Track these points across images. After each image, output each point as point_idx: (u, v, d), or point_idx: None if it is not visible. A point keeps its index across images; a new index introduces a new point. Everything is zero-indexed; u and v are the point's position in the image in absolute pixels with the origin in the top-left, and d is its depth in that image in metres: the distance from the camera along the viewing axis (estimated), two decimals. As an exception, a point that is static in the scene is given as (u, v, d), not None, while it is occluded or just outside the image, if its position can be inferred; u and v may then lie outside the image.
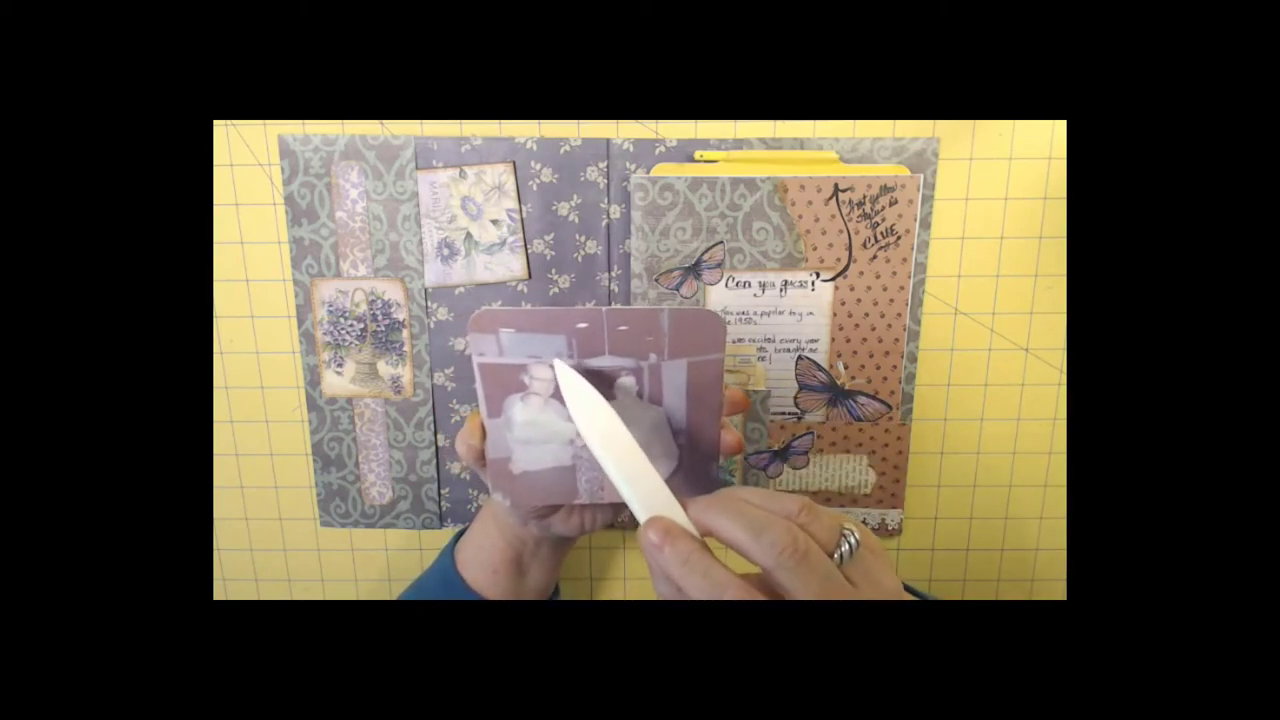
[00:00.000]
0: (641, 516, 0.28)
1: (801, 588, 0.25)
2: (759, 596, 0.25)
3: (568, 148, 0.46)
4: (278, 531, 0.52)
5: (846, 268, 0.47)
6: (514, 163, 0.46)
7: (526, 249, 0.47)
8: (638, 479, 0.28)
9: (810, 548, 0.25)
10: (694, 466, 0.32)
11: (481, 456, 0.32)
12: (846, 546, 0.26)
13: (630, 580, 0.53)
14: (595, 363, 0.30)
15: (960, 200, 0.46)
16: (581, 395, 0.29)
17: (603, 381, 0.30)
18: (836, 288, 0.47)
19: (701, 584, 0.26)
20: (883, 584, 0.27)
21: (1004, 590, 0.53)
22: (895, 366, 0.48)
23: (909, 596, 0.29)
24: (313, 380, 0.49)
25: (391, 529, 0.52)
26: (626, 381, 0.30)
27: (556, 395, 0.30)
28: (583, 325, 0.29)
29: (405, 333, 0.48)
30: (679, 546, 0.26)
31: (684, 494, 0.28)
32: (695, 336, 0.29)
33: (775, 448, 0.50)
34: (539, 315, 0.29)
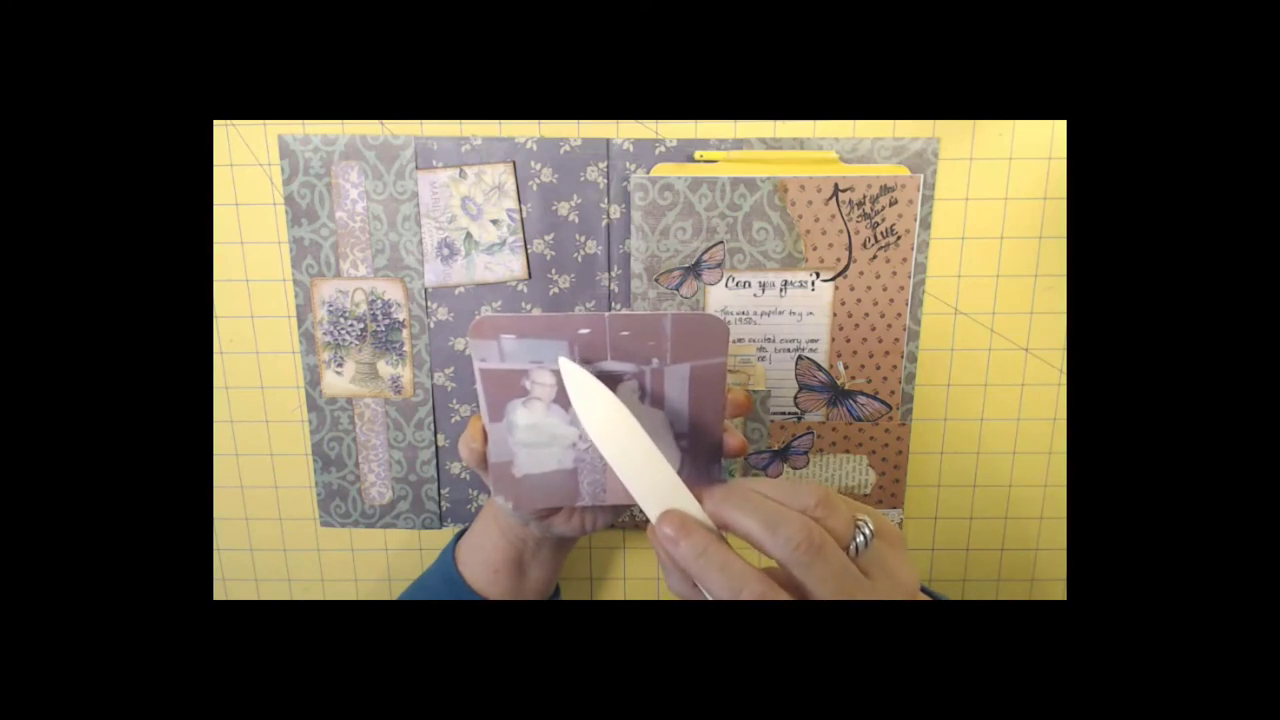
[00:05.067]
0: (652, 511, 0.28)
1: (816, 583, 0.25)
2: (777, 590, 0.25)
3: (568, 148, 0.46)
4: (278, 531, 0.52)
5: (846, 268, 0.47)
6: (514, 163, 0.46)
7: (526, 249, 0.47)
8: (647, 472, 0.28)
9: (825, 542, 0.25)
10: (696, 469, 0.32)
11: (483, 460, 0.32)
12: (861, 538, 0.26)
13: (630, 580, 0.53)
14: (597, 368, 0.30)
15: (960, 200, 0.46)
16: (586, 390, 0.29)
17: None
18: (836, 288, 0.47)
19: (719, 577, 0.25)
20: (898, 576, 0.27)
21: (1004, 590, 0.53)
22: (895, 366, 0.48)
23: (921, 593, 0.28)
24: (313, 380, 0.49)
25: (391, 529, 0.52)
26: (628, 386, 0.30)
27: (558, 400, 0.30)
28: (584, 331, 0.29)
29: (405, 333, 0.48)
30: (695, 539, 0.26)
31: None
32: (698, 341, 0.29)
33: (775, 448, 0.50)
34: (540, 321, 0.29)
